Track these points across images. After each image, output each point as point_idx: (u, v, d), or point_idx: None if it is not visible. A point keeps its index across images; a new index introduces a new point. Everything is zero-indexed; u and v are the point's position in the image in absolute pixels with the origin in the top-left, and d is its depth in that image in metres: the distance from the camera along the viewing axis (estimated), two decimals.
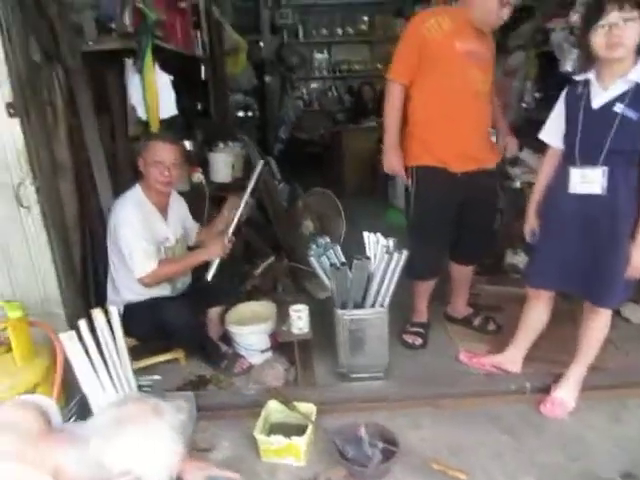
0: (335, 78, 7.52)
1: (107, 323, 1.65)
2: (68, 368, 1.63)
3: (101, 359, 1.63)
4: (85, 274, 2.33)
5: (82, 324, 1.58)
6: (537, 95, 3.56)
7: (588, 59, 1.73)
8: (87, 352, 1.59)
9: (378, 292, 2.07)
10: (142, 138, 2.27)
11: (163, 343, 2.32)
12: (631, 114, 1.63)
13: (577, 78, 1.79)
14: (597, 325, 1.88)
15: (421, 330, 2.47)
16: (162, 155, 2.12)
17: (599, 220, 1.74)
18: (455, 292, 2.61)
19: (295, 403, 1.86)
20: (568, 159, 1.80)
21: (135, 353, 2.22)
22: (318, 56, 7.44)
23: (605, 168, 1.69)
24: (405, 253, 2.04)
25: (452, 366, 2.28)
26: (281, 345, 2.34)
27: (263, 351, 2.36)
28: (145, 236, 2.09)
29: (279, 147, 6.70)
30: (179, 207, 2.38)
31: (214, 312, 2.49)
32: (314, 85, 7.65)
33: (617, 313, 2.35)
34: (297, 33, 7.26)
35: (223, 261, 2.24)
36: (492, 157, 2.30)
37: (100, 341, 1.63)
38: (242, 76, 4.81)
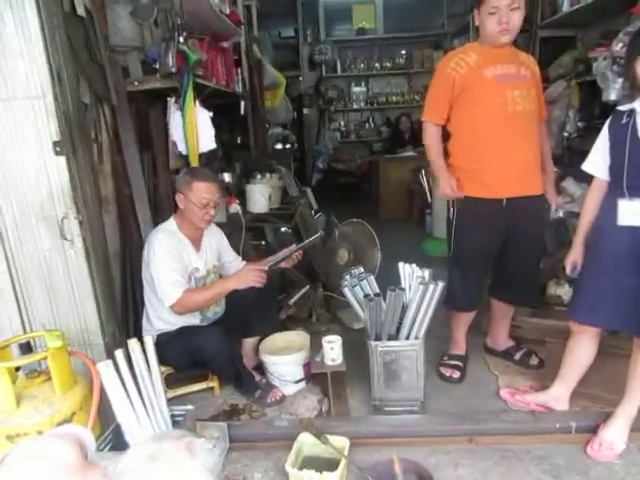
0: (372, 110, 7.64)
1: (142, 353, 1.69)
2: (105, 397, 1.66)
3: (136, 389, 1.66)
4: (125, 306, 2.41)
5: (118, 354, 1.62)
6: (580, 124, 3.50)
7: (633, 88, 1.69)
8: (123, 382, 1.62)
9: (413, 323, 2.03)
10: (182, 172, 2.35)
11: (198, 371, 2.35)
12: None
13: (621, 108, 1.74)
14: None
15: (459, 363, 2.40)
16: (208, 195, 2.19)
17: None
18: (495, 324, 2.52)
19: (328, 436, 1.82)
20: (615, 191, 1.73)
21: (170, 381, 2.26)
22: (356, 89, 7.59)
23: None
24: (441, 285, 2.00)
25: (492, 401, 2.19)
26: (314, 376, 2.31)
27: (296, 382, 2.35)
28: (174, 266, 2.13)
29: (317, 177, 6.81)
30: (214, 239, 2.42)
31: (249, 342, 2.50)
32: (352, 117, 7.77)
33: None
34: (335, 67, 7.44)
35: (260, 290, 2.27)
36: (539, 182, 2.20)
37: (135, 371, 1.66)
38: (280, 109, 4.94)
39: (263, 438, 1.98)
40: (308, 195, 4.27)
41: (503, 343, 2.51)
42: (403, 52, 7.38)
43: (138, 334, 2.29)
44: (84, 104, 2.12)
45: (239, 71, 3.88)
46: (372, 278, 2.21)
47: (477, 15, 2.08)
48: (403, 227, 5.07)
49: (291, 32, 7.46)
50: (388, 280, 2.17)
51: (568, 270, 1.96)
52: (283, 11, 6.91)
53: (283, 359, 2.34)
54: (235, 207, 3.00)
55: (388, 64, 7.44)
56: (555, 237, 3.11)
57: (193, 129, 2.54)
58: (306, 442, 1.85)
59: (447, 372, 2.37)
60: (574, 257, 1.93)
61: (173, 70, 2.41)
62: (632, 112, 1.69)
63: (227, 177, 3.36)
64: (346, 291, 2.13)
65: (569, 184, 3.14)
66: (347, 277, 2.20)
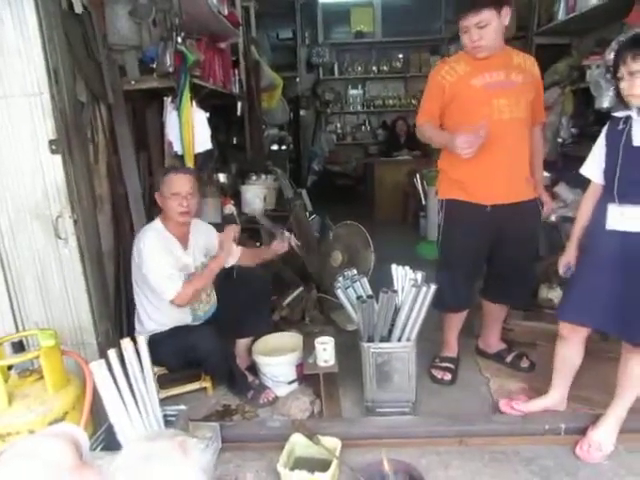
0: (369, 112, 7.66)
1: (135, 353, 1.69)
2: (97, 397, 1.66)
3: (129, 389, 1.66)
4: (119, 305, 2.40)
5: (111, 353, 1.62)
6: (573, 130, 3.54)
7: (618, 97, 1.72)
8: (115, 381, 1.63)
9: (405, 325, 2.05)
10: (157, 173, 2.36)
11: (191, 372, 2.35)
12: None
13: (618, 114, 1.76)
14: (637, 364, 1.79)
15: (450, 365, 2.41)
16: (178, 186, 2.18)
17: (639, 258, 1.69)
18: (487, 326, 2.54)
19: (320, 437, 1.83)
20: (607, 196, 1.76)
21: (163, 381, 2.26)
22: (353, 92, 7.61)
23: None
24: (433, 287, 2.01)
25: (483, 403, 2.21)
26: (307, 377, 2.32)
27: (289, 382, 2.35)
28: (167, 260, 2.15)
29: (312, 179, 6.82)
30: (202, 235, 2.40)
31: (242, 343, 2.51)
32: (348, 119, 7.79)
33: None
34: (333, 70, 7.46)
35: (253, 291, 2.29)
36: (527, 190, 2.21)
37: (128, 371, 1.66)
38: (277, 111, 4.95)
39: (255, 439, 1.99)
40: (303, 197, 4.28)
41: (495, 346, 2.53)
42: (400, 56, 7.41)
43: (131, 333, 2.29)
44: (80, 102, 2.12)
45: (236, 72, 3.89)
46: (365, 280, 2.22)
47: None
48: (398, 230, 5.09)
49: (289, 34, 7.47)
50: (381, 282, 2.18)
51: (561, 271, 1.98)
52: (281, 12, 6.92)
53: (276, 360, 2.35)
54: (230, 208, 3.00)
55: (385, 67, 7.46)
56: (548, 241, 3.14)
57: (189, 129, 2.54)
58: (298, 443, 1.85)
59: (439, 374, 2.38)
60: (567, 258, 1.96)
61: (170, 70, 2.41)
62: (628, 119, 1.71)
63: (222, 177, 3.36)
64: (339, 293, 2.14)
65: (562, 189, 3.17)
66: (340, 279, 2.21)
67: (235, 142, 4.29)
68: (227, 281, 2.45)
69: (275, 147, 5.35)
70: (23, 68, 1.74)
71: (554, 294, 2.88)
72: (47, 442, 1.20)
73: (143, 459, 1.17)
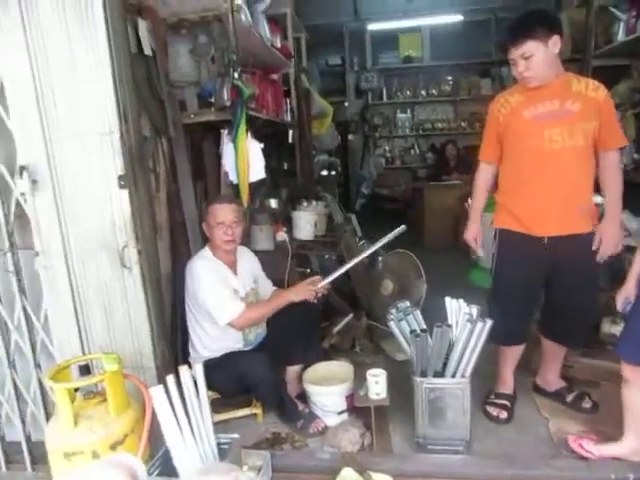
0: (418, 136, 7.64)
1: (192, 378, 1.73)
2: (154, 421, 1.71)
3: (185, 414, 1.70)
4: (175, 327, 2.48)
5: (170, 379, 1.67)
6: (636, 156, 3.40)
7: None
8: (173, 407, 1.67)
9: (460, 361, 2.00)
10: (204, 205, 2.44)
11: (243, 397, 2.38)
12: None
13: None
14: None
15: (506, 402, 2.33)
16: (222, 216, 2.28)
17: None
18: (546, 362, 2.44)
19: (370, 472, 1.81)
20: None
21: (214, 406, 2.30)
22: (401, 115, 7.62)
23: None
24: (489, 323, 1.97)
25: (541, 445, 2.11)
26: (357, 408, 2.30)
27: (339, 413, 2.34)
28: (223, 285, 2.23)
29: (361, 202, 6.85)
30: (248, 262, 2.49)
31: (293, 370, 2.52)
32: (397, 143, 7.79)
33: None
34: (381, 95, 7.52)
35: (303, 318, 2.31)
36: (586, 222, 2.12)
37: (185, 397, 1.70)
38: (326, 137, 5.02)
39: (305, 469, 1.99)
40: (353, 222, 4.30)
41: (554, 383, 2.42)
42: (449, 79, 7.38)
43: (185, 354, 2.38)
44: (144, 137, 2.24)
45: (288, 101, 4.00)
46: (418, 312, 2.20)
47: None
48: (448, 255, 4.99)
49: (338, 60, 7.62)
50: (434, 311, 2.15)
51: (619, 306, 1.88)
52: (331, 41, 7.07)
53: (326, 390, 2.35)
54: (282, 235, 3.06)
55: (434, 91, 7.45)
56: (610, 272, 3.00)
57: (244, 159, 2.63)
58: (348, 477, 1.83)
59: (494, 411, 2.30)
60: (626, 292, 1.86)
61: (227, 104, 2.52)
62: None
63: (273, 203, 3.43)
64: (392, 325, 2.12)
65: (625, 217, 3.04)
66: (393, 311, 2.20)
67: (286, 168, 4.38)
68: None
69: (325, 172, 5.42)
70: (97, 109, 1.86)
71: (617, 329, 2.73)
72: (105, 472, 1.25)
73: None
